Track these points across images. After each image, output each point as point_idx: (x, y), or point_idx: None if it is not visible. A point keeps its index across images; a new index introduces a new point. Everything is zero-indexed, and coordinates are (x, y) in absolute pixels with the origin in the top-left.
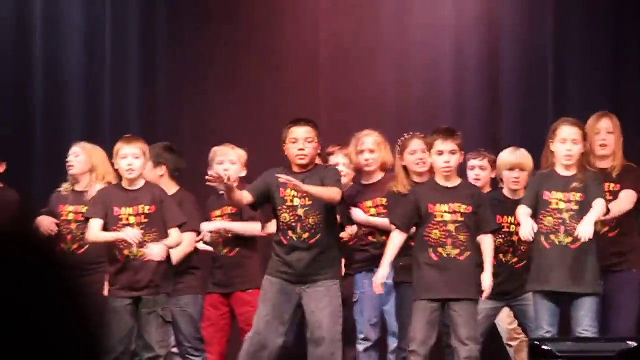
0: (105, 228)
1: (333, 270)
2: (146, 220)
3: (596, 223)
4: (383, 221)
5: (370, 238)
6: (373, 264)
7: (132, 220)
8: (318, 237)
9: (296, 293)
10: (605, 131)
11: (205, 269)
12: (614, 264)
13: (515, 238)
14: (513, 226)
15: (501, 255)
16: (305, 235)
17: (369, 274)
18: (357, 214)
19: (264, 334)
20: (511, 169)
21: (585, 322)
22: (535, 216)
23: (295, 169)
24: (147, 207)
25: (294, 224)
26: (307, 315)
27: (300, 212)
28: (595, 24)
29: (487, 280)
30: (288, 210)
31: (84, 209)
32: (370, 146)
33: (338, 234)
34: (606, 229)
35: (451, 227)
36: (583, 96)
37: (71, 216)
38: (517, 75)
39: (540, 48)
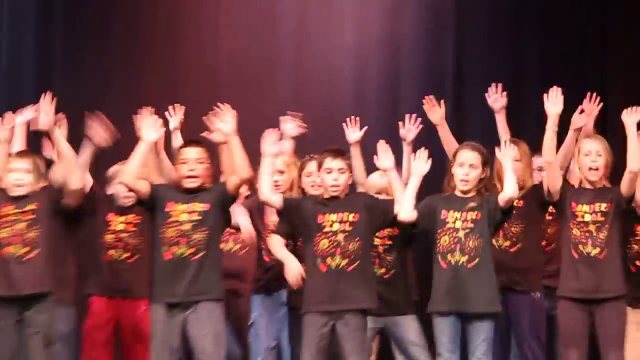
0: None
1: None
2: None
3: (497, 239)
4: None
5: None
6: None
7: None
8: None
9: None
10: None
11: None
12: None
13: None
14: None
15: None
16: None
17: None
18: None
19: None
20: (379, 193)
21: (480, 350)
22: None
23: (183, 190)
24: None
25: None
26: None
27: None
28: (495, 44)
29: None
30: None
31: None
32: (279, 167)
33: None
34: (507, 243)
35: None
36: (484, 118)
37: None
38: (418, 97)
39: (441, 68)
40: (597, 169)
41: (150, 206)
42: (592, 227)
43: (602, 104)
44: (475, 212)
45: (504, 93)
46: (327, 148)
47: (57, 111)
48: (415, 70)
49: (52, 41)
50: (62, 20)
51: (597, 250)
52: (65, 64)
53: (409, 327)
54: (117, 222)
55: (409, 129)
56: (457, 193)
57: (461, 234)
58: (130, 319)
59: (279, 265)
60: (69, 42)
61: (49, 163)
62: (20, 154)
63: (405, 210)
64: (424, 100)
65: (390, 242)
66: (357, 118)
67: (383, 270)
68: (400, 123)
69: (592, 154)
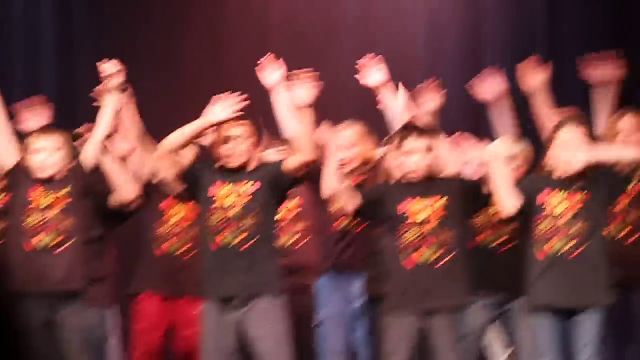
0: None
1: None
2: None
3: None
4: None
5: None
6: None
7: None
8: None
9: None
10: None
11: None
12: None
13: None
14: None
15: None
16: None
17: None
18: None
19: None
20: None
21: (590, 342)
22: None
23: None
24: None
25: None
26: None
27: None
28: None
29: None
30: None
31: None
32: (348, 142)
33: None
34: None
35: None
36: (580, 89)
37: None
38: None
39: (531, 35)
40: None
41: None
42: None
43: None
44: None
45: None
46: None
47: (82, 89)
48: (500, 38)
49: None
50: None
51: None
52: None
53: None
54: (175, 212)
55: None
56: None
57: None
58: (188, 321)
59: (354, 236)
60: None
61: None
62: (44, 130)
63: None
64: (519, 65)
65: None
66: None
67: None
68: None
69: None
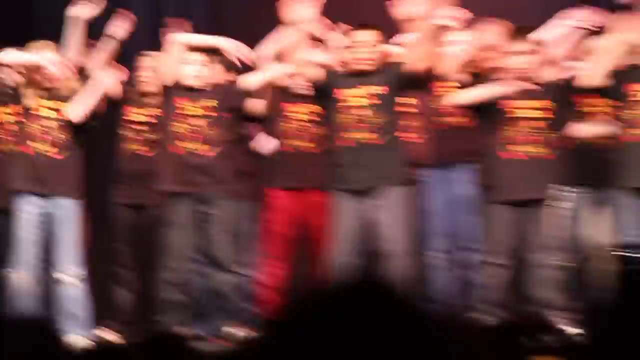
0: None
1: None
2: None
3: None
4: None
5: None
6: None
7: None
8: None
9: None
10: None
11: None
12: None
13: None
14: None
15: None
16: None
17: None
18: None
19: None
20: None
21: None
22: None
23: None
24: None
25: None
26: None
27: None
28: None
29: None
30: None
31: None
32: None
33: None
34: None
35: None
36: None
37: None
38: None
39: None
40: None
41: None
42: None
43: None
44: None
45: None
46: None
47: None
48: None
49: None
50: None
51: None
52: None
53: None
54: (298, 112)
55: None
56: None
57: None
58: (318, 211)
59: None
60: None
61: None
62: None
63: None
64: None
65: None
66: None
67: None
68: None
69: None
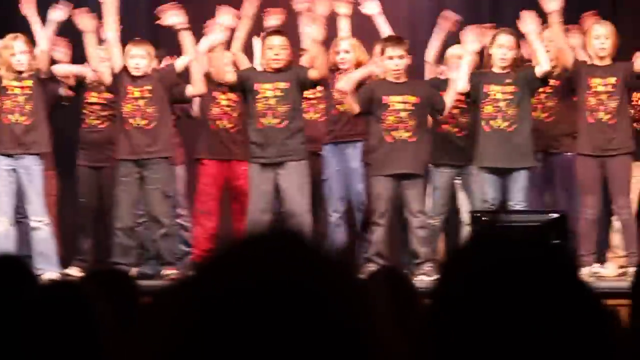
0: None
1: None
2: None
3: (535, 109)
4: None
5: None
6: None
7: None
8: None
9: None
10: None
11: None
12: (551, 146)
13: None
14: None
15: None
16: None
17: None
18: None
19: None
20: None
21: (519, 194)
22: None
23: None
24: None
25: None
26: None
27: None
28: None
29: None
30: None
31: None
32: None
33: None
34: (544, 115)
35: (403, 114)
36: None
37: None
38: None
39: None
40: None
41: (241, 89)
42: (604, 97)
43: None
44: (513, 87)
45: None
46: (388, 37)
47: None
48: None
49: None
50: None
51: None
52: None
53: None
54: (223, 99)
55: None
56: (495, 70)
57: (502, 104)
58: (238, 175)
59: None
60: None
61: None
62: (138, 42)
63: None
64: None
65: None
66: None
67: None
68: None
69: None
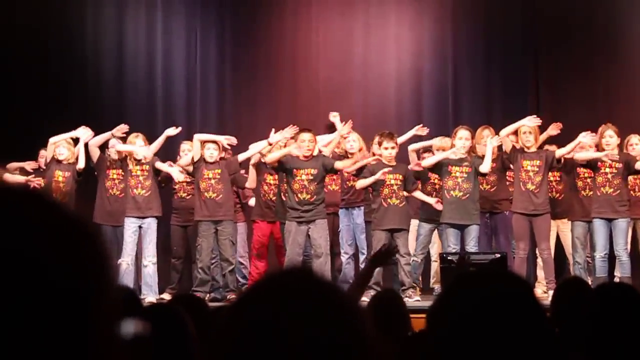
0: None
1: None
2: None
3: (481, 183)
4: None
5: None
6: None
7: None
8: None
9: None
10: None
11: None
12: (495, 208)
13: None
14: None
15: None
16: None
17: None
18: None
19: None
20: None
21: (471, 242)
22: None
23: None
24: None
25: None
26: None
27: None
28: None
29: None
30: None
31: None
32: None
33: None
34: (488, 186)
35: (395, 187)
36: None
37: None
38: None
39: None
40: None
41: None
42: (531, 174)
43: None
44: (468, 168)
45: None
46: (382, 133)
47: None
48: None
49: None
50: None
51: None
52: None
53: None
54: (269, 179)
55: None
56: (460, 156)
57: (460, 179)
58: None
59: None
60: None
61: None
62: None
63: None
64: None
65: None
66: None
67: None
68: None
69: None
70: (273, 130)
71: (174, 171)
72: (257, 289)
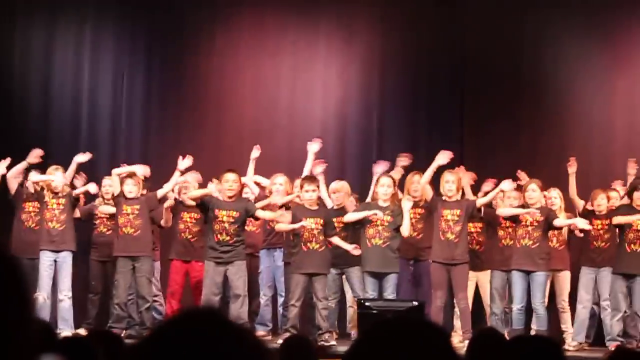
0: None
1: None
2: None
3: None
4: None
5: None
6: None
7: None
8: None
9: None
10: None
11: None
12: (420, 256)
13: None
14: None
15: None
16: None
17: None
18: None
19: None
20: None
21: (389, 290)
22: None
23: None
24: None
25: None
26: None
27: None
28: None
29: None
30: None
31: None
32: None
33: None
34: (415, 233)
35: (315, 232)
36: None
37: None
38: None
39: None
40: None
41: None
42: (451, 223)
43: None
44: (390, 217)
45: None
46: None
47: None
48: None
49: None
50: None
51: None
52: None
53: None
54: (186, 217)
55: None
56: (380, 203)
57: (380, 227)
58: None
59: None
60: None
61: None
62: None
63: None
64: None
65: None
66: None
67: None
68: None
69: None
70: (180, 157)
71: (90, 187)
72: (162, 329)
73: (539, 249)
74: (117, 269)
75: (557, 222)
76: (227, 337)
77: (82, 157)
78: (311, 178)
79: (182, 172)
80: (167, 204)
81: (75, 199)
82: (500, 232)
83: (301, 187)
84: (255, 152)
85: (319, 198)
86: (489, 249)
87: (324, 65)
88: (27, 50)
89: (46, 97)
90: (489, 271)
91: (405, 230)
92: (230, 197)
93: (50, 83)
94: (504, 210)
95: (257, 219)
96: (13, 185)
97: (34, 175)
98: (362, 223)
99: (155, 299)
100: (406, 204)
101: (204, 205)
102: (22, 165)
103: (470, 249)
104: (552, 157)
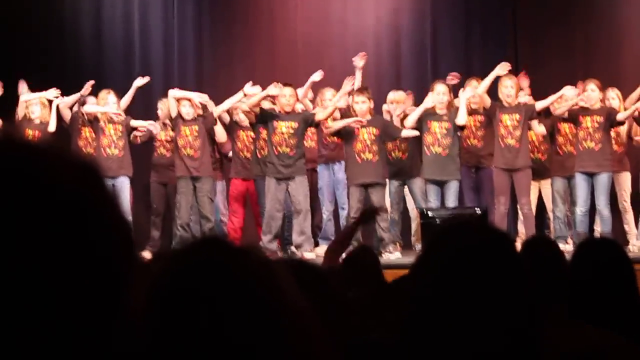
0: None
1: None
2: None
3: (468, 137)
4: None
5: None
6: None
7: None
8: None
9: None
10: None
11: None
12: (481, 163)
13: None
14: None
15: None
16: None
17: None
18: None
19: None
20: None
21: (451, 198)
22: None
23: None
24: None
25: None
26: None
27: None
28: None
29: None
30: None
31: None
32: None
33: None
34: (475, 140)
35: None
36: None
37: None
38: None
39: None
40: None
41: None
42: (510, 128)
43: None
44: (447, 124)
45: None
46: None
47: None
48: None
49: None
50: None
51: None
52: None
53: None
54: (243, 136)
55: None
56: (438, 111)
57: (439, 135)
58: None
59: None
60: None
61: None
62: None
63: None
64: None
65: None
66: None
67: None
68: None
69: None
70: (250, 83)
71: (152, 126)
72: (173, 259)
73: (602, 150)
74: (178, 189)
75: (620, 116)
76: (236, 262)
77: (140, 81)
78: (361, 89)
79: (246, 95)
80: (224, 119)
81: (132, 128)
82: (560, 139)
83: (352, 99)
84: (317, 76)
85: (371, 108)
86: (550, 157)
87: None
88: None
89: (97, 23)
90: (549, 180)
91: (462, 118)
92: (286, 112)
93: (102, 5)
94: (560, 108)
95: (317, 125)
96: (67, 113)
97: (89, 107)
98: (421, 131)
99: (222, 217)
100: (463, 94)
101: (263, 118)
102: (75, 96)
103: (532, 157)
104: (607, 61)
